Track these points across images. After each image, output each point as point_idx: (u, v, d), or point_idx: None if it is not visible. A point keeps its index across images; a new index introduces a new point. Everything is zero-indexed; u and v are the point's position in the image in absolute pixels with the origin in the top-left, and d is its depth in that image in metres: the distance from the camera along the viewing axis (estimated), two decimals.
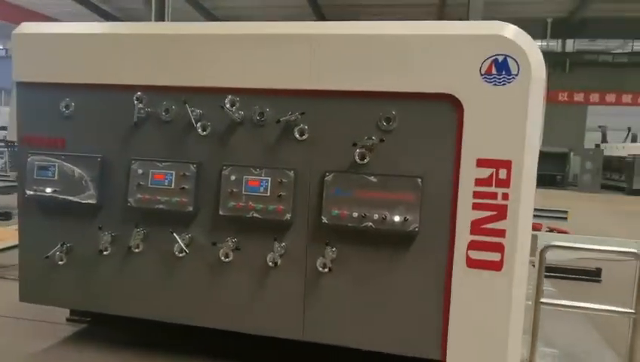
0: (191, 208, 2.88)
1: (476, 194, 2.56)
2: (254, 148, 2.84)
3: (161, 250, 2.98)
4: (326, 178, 2.71)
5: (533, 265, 2.66)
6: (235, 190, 2.81)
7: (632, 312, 2.52)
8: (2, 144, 15.58)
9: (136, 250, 2.98)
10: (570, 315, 3.42)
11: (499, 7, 17.16)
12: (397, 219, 2.61)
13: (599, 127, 22.76)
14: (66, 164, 3.06)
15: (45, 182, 3.08)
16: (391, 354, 2.77)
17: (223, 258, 2.87)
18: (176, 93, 2.88)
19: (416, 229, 2.60)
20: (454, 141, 2.58)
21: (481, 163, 2.55)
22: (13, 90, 3.44)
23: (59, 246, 3.07)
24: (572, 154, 20.93)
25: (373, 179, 2.66)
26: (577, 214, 9.80)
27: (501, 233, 2.55)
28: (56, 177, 3.07)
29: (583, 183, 19.03)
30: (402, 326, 2.72)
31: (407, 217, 2.60)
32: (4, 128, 17.10)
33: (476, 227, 2.57)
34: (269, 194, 2.77)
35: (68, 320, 3.72)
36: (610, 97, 21.28)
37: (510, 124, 2.51)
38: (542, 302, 2.60)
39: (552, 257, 3.08)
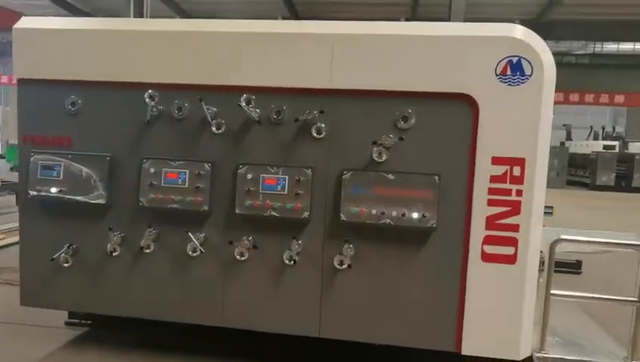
0: (206, 207, 2.85)
1: (491, 191, 2.65)
2: (270, 146, 2.85)
3: (173, 249, 2.94)
4: (344, 176, 2.74)
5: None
6: (251, 188, 2.81)
7: (635, 300, 2.67)
8: None
9: (148, 251, 2.94)
10: (562, 305, 3.56)
11: (467, 7, 17.55)
12: (415, 215, 2.67)
13: (564, 125, 23.68)
14: (72, 163, 2.97)
15: (50, 182, 2.99)
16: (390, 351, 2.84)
17: (238, 257, 2.86)
18: (191, 91, 2.85)
19: (434, 226, 2.67)
20: (470, 139, 2.66)
21: (496, 160, 2.64)
22: None
23: (65, 247, 2.98)
24: None
25: (391, 176, 2.71)
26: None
27: (515, 228, 2.64)
28: (61, 177, 2.98)
29: (549, 179, 19.73)
30: (419, 321, 2.78)
31: (425, 214, 2.66)
32: None
33: (491, 222, 2.66)
34: (286, 192, 2.78)
35: (67, 323, 3.62)
36: (574, 97, 22.16)
37: (524, 123, 2.61)
38: (552, 294, 2.71)
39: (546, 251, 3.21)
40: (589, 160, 19.86)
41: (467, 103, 2.64)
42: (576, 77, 22.41)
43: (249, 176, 2.81)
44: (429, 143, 2.71)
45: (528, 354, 2.74)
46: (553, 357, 2.71)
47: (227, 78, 2.82)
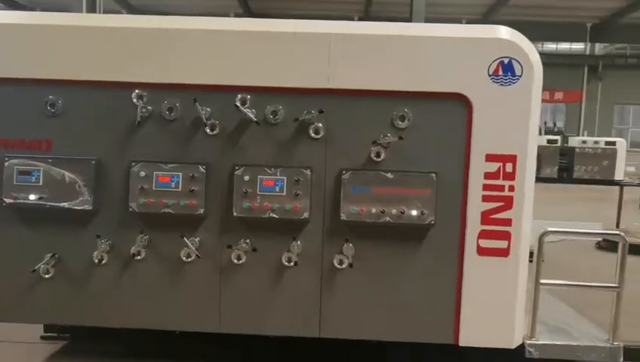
0: (202, 210, 2.77)
1: (485, 187, 2.75)
2: (266, 147, 2.80)
3: (166, 255, 2.84)
4: (343, 176, 2.75)
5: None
6: (249, 190, 2.75)
7: (615, 286, 2.86)
8: None
9: (139, 257, 2.82)
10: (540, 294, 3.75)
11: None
12: (414, 213, 2.73)
13: None
14: (53, 167, 2.80)
15: (28, 188, 2.80)
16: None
17: (236, 260, 2.80)
18: (182, 90, 2.76)
19: (433, 222, 2.73)
20: (465, 137, 2.74)
21: (490, 158, 2.73)
22: None
23: (48, 257, 2.80)
24: None
25: (389, 175, 2.75)
26: None
27: (508, 222, 2.76)
28: (41, 182, 2.80)
29: None
30: (418, 315, 2.84)
31: (424, 211, 2.72)
32: None
33: (486, 217, 2.76)
34: (285, 193, 2.75)
35: (43, 337, 3.41)
36: None
37: (515, 122, 2.72)
38: (541, 283, 2.85)
39: None
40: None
41: (462, 103, 2.72)
42: None
43: (246, 178, 2.76)
44: (426, 142, 2.77)
45: (520, 342, 2.87)
46: (544, 343, 2.85)
47: (221, 78, 2.75)
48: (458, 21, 21.66)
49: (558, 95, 23.02)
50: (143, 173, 2.78)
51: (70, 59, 2.77)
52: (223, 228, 2.83)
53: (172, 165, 2.78)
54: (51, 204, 2.79)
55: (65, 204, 2.79)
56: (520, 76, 2.69)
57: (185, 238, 2.76)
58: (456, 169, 2.76)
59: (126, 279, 2.87)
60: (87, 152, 2.82)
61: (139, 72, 2.75)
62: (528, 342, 2.87)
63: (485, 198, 2.75)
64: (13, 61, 2.78)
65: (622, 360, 2.89)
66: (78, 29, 2.77)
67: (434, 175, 2.74)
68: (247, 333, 2.92)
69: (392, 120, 2.75)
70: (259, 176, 2.76)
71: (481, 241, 2.77)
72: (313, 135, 2.77)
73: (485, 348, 2.85)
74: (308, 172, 2.76)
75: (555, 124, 23.15)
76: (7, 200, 2.80)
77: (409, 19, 11.18)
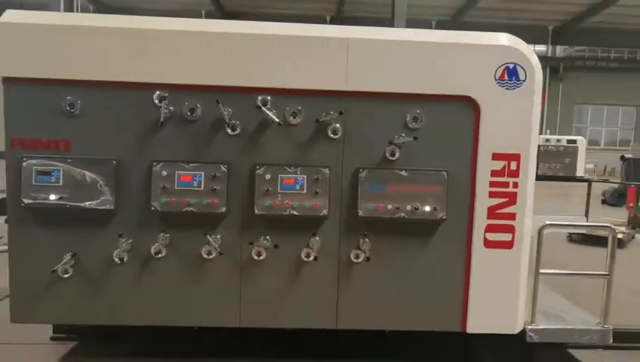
0: (224, 209, 2.85)
1: (492, 184, 2.94)
2: (285, 147, 2.91)
3: (188, 253, 2.90)
4: (360, 174, 2.89)
5: None
6: (270, 189, 2.85)
7: (606, 274, 3.12)
8: None
9: (159, 256, 2.87)
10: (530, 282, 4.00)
11: (385, 7, 18.35)
12: (427, 209, 2.90)
13: None
14: (73, 168, 2.81)
15: (48, 188, 2.80)
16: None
17: (256, 257, 2.90)
18: (203, 91, 2.82)
19: (444, 217, 2.91)
20: (472, 137, 2.93)
21: (496, 156, 2.93)
22: None
23: (68, 257, 2.82)
24: None
25: (404, 173, 2.90)
26: None
27: (512, 216, 2.96)
28: (61, 182, 2.81)
29: None
30: (428, 305, 3.02)
31: (436, 207, 2.89)
32: None
33: (492, 212, 2.96)
34: (305, 191, 2.87)
35: (52, 339, 3.40)
36: None
37: (519, 122, 2.92)
38: (541, 273, 3.08)
39: None
40: None
41: (470, 105, 2.91)
42: None
43: (267, 177, 2.86)
44: (437, 141, 2.94)
45: (522, 328, 3.09)
46: (544, 328, 3.07)
47: (243, 80, 2.83)
48: (428, 22, 22.24)
49: None
50: (164, 173, 2.83)
51: (89, 59, 2.78)
52: (243, 225, 2.92)
53: (194, 165, 2.85)
54: (72, 203, 2.80)
55: (86, 204, 2.81)
56: (524, 80, 2.89)
57: (208, 236, 2.83)
58: (465, 167, 2.94)
59: (146, 277, 2.92)
60: (106, 152, 2.84)
61: (159, 73, 2.80)
62: (529, 327, 3.09)
63: (492, 194, 2.95)
64: (31, 61, 2.77)
65: (611, 341, 3.15)
66: (97, 29, 2.79)
67: (445, 173, 2.92)
68: (266, 327, 3.02)
69: (405, 121, 2.91)
70: (279, 175, 2.86)
71: (487, 234, 2.97)
72: (331, 135, 2.89)
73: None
74: (327, 171, 2.88)
75: None
76: (26, 201, 2.80)
77: (380, 19, 11.41)
